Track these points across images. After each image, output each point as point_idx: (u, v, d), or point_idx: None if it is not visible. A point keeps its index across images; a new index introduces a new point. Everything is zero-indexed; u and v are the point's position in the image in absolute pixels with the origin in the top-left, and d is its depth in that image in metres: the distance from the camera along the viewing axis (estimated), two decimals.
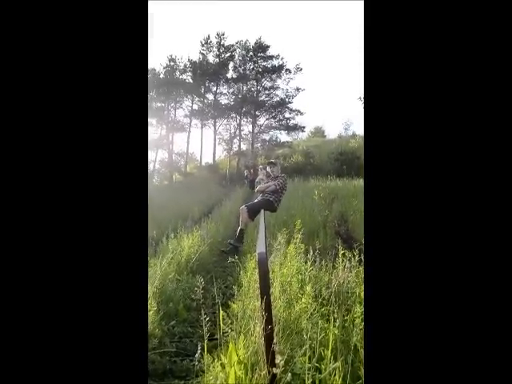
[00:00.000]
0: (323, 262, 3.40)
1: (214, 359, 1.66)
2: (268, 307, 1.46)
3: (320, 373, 1.48)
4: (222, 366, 1.54)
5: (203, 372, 1.57)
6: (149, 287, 3.01)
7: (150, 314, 2.65)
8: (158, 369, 2.14)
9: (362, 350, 1.65)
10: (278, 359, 1.36)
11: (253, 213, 5.32)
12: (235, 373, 1.45)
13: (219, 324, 1.66)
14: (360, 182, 14.73)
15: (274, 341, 1.43)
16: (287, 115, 28.58)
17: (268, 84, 28.95)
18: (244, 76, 28.48)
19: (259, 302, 1.58)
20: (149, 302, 2.76)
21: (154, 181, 27.18)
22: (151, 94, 28.19)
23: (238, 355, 1.51)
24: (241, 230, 5.43)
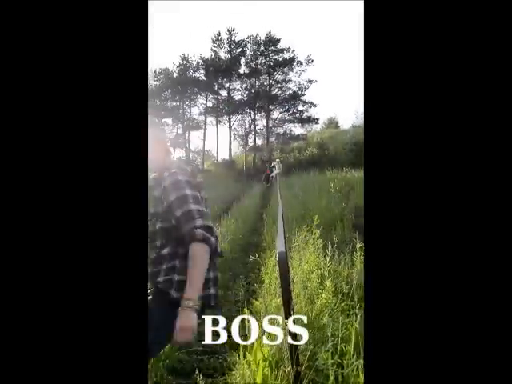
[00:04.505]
0: (341, 256, 3.42)
1: (239, 357, 1.72)
2: (289, 304, 1.51)
3: (342, 368, 1.52)
4: (248, 363, 1.60)
5: (230, 370, 1.64)
6: None
7: None
8: (186, 367, 2.22)
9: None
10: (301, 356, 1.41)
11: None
12: (262, 370, 1.51)
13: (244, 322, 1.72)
14: None
15: (297, 338, 1.47)
16: (300, 108, 28.45)
17: (280, 77, 28.80)
18: (256, 71, 28.34)
19: (280, 299, 1.63)
20: None
21: None
22: (166, 94, 28.61)
23: (262, 353, 1.56)
24: None
